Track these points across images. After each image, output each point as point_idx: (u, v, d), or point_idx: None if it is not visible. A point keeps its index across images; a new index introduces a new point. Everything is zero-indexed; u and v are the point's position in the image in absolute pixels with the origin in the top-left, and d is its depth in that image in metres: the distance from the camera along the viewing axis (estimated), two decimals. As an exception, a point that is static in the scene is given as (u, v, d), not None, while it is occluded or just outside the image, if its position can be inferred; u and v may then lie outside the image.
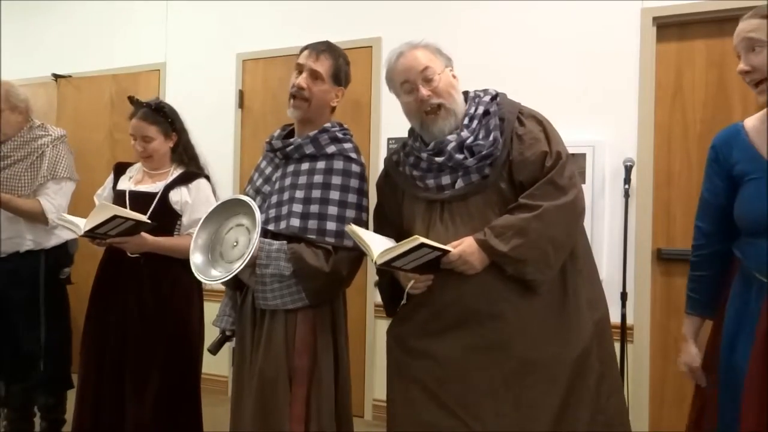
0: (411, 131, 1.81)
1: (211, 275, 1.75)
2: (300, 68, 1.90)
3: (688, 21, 2.85)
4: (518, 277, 1.58)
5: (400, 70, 1.71)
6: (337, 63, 1.90)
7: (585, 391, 1.61)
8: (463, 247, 1.55)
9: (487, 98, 1.72)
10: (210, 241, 1.81)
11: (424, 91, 1.66)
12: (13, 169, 2.69)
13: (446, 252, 1.53)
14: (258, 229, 1.68)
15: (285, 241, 1.80)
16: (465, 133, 1.65)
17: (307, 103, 1.88)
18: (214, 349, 2.04)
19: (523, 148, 1.62)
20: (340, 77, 1.92)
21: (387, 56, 1.76)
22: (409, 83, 1.69)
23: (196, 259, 1.78)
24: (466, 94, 1.77)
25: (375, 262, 1.55)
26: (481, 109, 1.69)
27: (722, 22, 2.72)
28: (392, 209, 1.83)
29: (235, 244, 1.77)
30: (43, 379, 2.73)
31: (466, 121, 1.68)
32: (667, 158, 2.90)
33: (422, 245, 1.46)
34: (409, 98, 1.70)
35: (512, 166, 1.62)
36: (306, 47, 1.94)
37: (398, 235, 1.69)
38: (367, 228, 1.83)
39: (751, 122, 1.57)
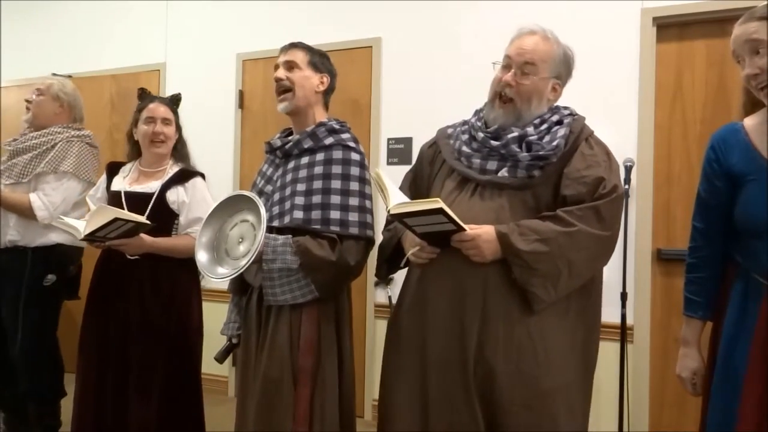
0: (477, 111, 1.79)
1: (218, 273, 1.73)
2: (277, 67, 1.96)
3: (688, 21, 2.86)
4: (521, 285, 1.53)
5: (513, 44, 1.69)
6: (310, 54, 1.96)
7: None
8: (481, 232, 1.52)
9: (565, 112, 1.71)
10: (214, 239, 1.80)
11: (509, 77, 1.65)
12: (21, 157, 2.61)
13: (461, 229, 1.50)
14: (263, 225, 1.67)
15: (290, 235, 1.79)
16: (530, 130, 1.64)
17: (291, 93, 1.91)
18: (221, 358, 2.00)
19: (581, 166, 1.59)
20: (317, 65, 1.96)
21: (522, 24, 1.73)
22: (508, 59, 1.67)
23: (201, 257, 1.77)
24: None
25: (388, 211, 1.52)
26: (555, 118, 1.67)
27: (722, 22, 2.72)
28: (424, 177, 1.82)
29: (240, 240, 1.76)
30: (29, 386, 2.62)
31: (536, 122, 1.66)
32: (667, 158, 2.91)
33: (441, 211, 1.43)
34: (499, 73, 1.69)
35: (563, 179, 1.59)
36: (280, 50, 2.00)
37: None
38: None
39: (750, 122, 1.53)
